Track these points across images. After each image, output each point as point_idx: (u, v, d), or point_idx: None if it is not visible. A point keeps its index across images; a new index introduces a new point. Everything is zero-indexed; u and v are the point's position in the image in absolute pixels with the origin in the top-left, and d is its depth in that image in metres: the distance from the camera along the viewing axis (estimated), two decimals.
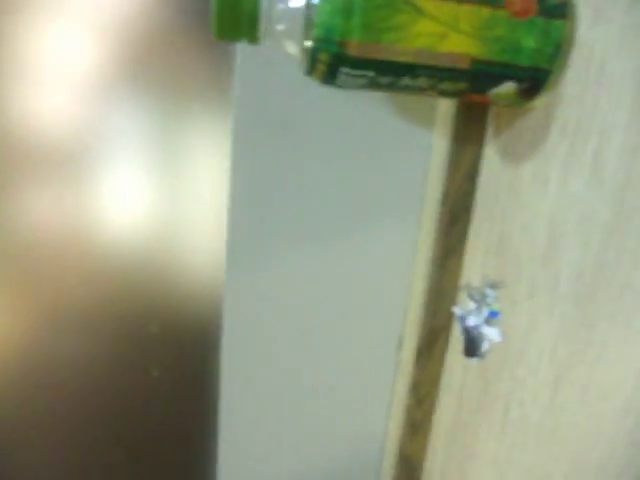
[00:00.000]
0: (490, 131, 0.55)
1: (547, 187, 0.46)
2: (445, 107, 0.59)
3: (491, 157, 0.55)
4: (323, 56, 0.39)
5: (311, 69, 0.41)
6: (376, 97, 0.59)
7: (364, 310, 0.67)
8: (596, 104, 0.41)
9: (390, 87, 0.44)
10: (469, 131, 0.56)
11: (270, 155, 0.59)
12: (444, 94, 0.46)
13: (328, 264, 0.64)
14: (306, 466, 0.75)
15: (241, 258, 0.62)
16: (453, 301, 0.61)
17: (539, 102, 0.47)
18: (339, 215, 0.62)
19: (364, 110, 0.59)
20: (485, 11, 0.40)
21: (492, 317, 0.53)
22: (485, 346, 0.54)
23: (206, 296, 0.69)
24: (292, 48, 0.42)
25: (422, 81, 0.43)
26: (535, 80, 0.45)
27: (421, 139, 0.62)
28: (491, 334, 0.53)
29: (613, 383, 0.39)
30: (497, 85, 0.45)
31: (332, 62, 0.40)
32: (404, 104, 0.60)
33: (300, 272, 0.64)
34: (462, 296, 0.59)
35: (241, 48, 0.55)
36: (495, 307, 0.53)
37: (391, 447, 0.75)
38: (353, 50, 0.39)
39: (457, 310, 0.60)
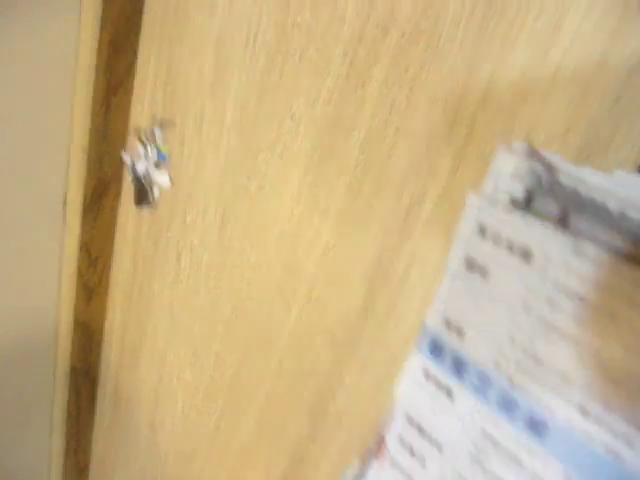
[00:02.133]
0: None
1: (215, 4, 0.40)
2: None
3: None
4: None
5: None
6: None
7: (20, 162, 0.55)
8: None
9: None
10: None
11: None
12: None
13: None
14: None
15: None
16: (122, 146, 0.54)
17: None
18: None
19: None
20: None
21: (161, 160, 0.48)
22: (156, 193, 0.49)
23: None
24: None
25: None
26: None
27: None
28: (160, 179, 0.48)
29: (271, 211, 0.38)
30: None
31: None
32: None
33: None
34: (132, 140, 0.52)
35: None
36: (164, 149, 0.47)
37: (66, 315, 0.67)
38: None
39: (126, 156, 0.53)
